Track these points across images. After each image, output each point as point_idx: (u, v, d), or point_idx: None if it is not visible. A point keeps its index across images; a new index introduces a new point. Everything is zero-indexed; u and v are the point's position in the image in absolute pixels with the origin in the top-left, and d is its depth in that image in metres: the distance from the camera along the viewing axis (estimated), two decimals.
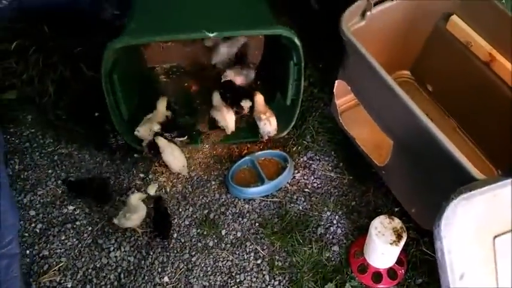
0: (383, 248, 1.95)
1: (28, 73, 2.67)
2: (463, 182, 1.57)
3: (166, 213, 2.33)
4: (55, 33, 2.77)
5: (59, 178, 2.49)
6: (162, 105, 2.54)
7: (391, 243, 1.93)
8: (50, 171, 2.52)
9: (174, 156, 2.42)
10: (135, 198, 2.26)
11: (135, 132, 2.47)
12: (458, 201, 1.47)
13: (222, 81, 2.68)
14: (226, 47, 2.78)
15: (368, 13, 2.19)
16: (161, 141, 2.40)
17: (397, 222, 1.98)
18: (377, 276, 2.15)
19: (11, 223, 2.26)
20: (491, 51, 2.22)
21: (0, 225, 2.21)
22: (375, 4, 2.19)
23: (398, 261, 2.14)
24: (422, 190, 2.07)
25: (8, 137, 2.63)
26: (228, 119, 2.52)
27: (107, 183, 2.45)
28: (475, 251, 1.51)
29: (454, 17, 2.33)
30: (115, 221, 2.25)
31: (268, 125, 2.50)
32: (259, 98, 2.57)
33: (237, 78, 2.71)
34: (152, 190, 2.43)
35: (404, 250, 2.16)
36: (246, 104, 2.58)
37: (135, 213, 2.24)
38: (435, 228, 1.48)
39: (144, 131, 2.45)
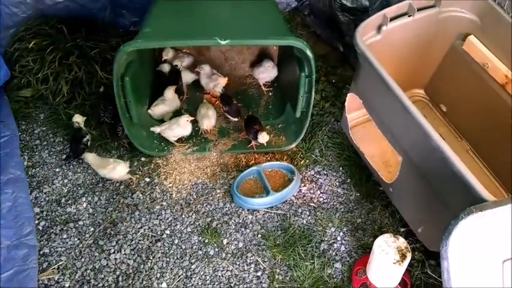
0: (386, 267, 1.89)
1: (43, 72, 2.71)
2: (472, 203, 1.52)
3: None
4: (73, 35, 2.82)
5: (66, 177, 2.50)
6: (170, 92, 2.67)
7: (394, 263, 1.87)
8: (57, 169, 2.54)
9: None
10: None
11: (149, 111, 2.66)
12: (467, 220, 1.42)
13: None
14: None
15: (384, 27, 2.18)
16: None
17: (401, 242, 1.92)
18: None
19: (29, 215, 2.29)
20: (508, 74, 2.19)
21: (20, 216, 2.24)
22: (391, 19, 2.17)
23: (402, 283, 2.07)
24: (430, 209, 2.01)
25: (20, 134, 2.67)
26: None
27: None
28: (483, 274, 1.45)
29: (472, 37, 2.31)
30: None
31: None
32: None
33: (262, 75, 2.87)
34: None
35: (408, 271, 2.10)
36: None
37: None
38: (442, 247, 1.43)
39: (156, 110, 2.66)
